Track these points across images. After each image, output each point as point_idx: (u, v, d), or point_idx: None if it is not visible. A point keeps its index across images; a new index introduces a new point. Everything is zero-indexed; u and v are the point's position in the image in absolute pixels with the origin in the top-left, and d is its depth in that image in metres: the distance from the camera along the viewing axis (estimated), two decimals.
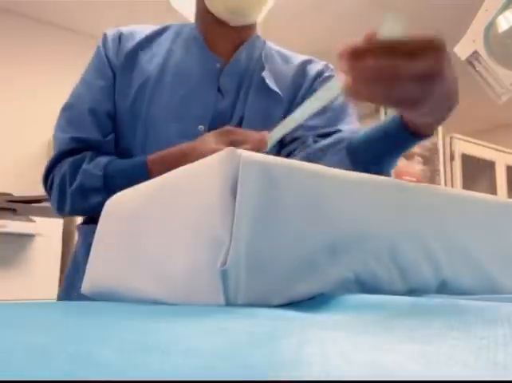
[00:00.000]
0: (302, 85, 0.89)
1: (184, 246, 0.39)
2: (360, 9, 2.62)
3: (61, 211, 0.80)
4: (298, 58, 0.94)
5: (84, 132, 0.79)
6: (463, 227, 0.48)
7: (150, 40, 0.86)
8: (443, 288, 0.44)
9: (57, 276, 1.97)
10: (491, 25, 1.07)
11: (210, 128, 0.77)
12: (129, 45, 0.84)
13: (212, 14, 0.83)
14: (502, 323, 0.19)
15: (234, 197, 0.34)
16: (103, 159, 0.76)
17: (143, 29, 0.87)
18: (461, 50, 1.09)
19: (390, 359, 0.14)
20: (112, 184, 0.72)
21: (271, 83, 0.87)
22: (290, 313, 0.27)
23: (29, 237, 1.92)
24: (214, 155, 0.37)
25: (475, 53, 1.07)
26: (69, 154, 0.79)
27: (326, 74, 0.91)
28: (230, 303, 0.33)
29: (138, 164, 0.73)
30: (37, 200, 2.02)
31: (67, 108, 0.83)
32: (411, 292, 0.42)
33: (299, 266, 0.35)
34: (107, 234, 0.52)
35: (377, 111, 2.80)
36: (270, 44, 0.95)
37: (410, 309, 0.27)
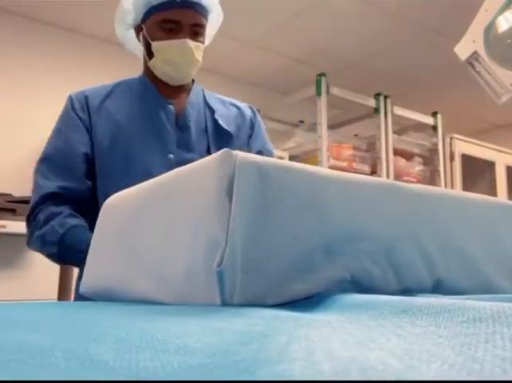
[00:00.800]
0: (242, 126, 1.09)
1: (180, 246, 0.39)
2: (360, 9, 2.62)
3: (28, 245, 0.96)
4: (230, 101, 1.14)
5: (65, 181, 0.94)
6: (459, 228, 0.48)
7: (110, 94, 1.03)
8: (438, 288, 0.44)
9: (56, 276, 1.97)
10: (491, 26, 1.07)
11: (176, 156, 0.97)
12: (95, 102, 1.00)
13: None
14: (486, 321, 0.20)
15: (230, 198, 0.34)
16: (70, 222, 0.90)
17: (101, 87, 1.04)
18: (461, 50, 1.10)
19: (373, 355, 0.15)
20: (65, 246, 0.87)
21: (224, 124, 1.07)
22: (283, 313, 0.28)
23: None
24: (211, 157, 0.37)
25: (475, 53, 1.07)
26: (51, 197, 0.93)
27: (257, 117, 1.14)
28: (225, 303, 0.33)
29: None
30: None
31: (46, 159, 0.97)
32: (406, 292, 0.42)
33: (295, 267, 0.35)
34: (105, 235, 0.52)
35: (376, 111, 2.80)
36: (205, 90, 1.14)
37: (401, 308, 0.27)
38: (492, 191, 3.37)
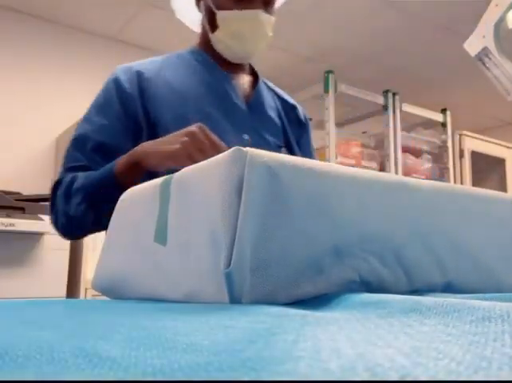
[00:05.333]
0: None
1: (190, 244, 0.39)
2: (360, 10, 2.60)
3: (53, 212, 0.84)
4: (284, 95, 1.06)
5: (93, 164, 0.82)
6: (469, 226, 0.47)
7: (163, 66, 0.90)
8: (449, 288, 0.44)
9: (65, 274, 1.99)
10: (501, 21, 1.06)
11: (251, 137, 0.88)
12: (149, 74, 0.87)
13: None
14: (495, 321, 0.19)
15: (240, 197, 0.34)
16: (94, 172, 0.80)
17: (150, 61, 0.91)
18: (470, 46, 1.09)
19: (380, 353, 0.15)
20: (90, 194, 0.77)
21: (300, 114, 1.01)
22: (291, 311, 0.28)
23: (37, 235, 1.94)
24: (221, 155, 0.37)
25: (485, 49, 1.06)
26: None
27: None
28: (234, 303, 0.33)
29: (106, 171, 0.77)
30: (46, 199, 2.04)
31: (80, 139, 0.85)
32: (416, 293, 0.41)
33: (304, 267, 0.35)
34: (118, 230, 0.52)
35: (385, 108, 2.79)
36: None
37: (409, 307, 0.27)
38: (502, 188, 3.34)
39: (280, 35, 3.09)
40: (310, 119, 1.16)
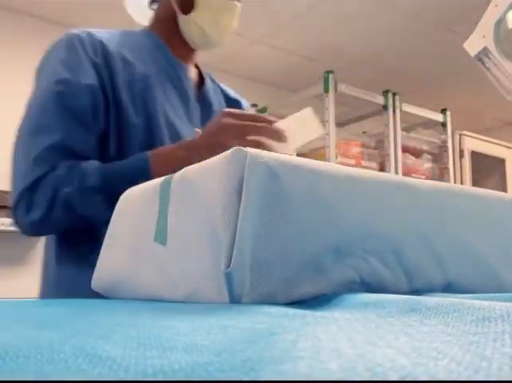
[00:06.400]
0: None
1: (190, 244, 0.39)
2: (360, 9, 2.60)
3: (42, 226, 0.73)
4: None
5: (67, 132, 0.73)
6: (469, 226, 0.47)
7: (123, 44, 0.84)
8: (449, 288, 0.44)
9: None
10: (501, 21, 1.06)
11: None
12: (111, 47, 0.81)
13: (180, 36, 0.88)
14: (495, 321, 0.19)
15: (240, 197, 0.34)
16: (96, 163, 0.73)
17: (109, 34, 0.85)
18: (470, 46, 1.09)
19: (380, 353, 0.15)
20: (110, 184, 0.69)
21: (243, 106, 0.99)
22: (291, 311, 0.28)
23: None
24: (221, 155, 0.37)
25: (485, 49, 1.06)
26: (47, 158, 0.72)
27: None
28: (234, 303, 0.33)
29: (139, 164, 0.70)
30: None
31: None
32: (417, 293, 0.41)
33: (304, 267, 0.35)
34: (118, 229, 0.52)
35: (385, 108, 2.79)
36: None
37: (410, 307, 0.27)
38: (502, 189, 3.35)
39: (280, 35, 3.09)
40: (266, 108, 1.24)
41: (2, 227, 1.83)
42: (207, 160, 0.40)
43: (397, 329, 0.22)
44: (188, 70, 0.91)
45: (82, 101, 0.74)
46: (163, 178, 0.46)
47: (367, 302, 0.30)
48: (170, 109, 0.82)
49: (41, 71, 0.81)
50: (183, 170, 0.43)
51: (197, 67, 0.97)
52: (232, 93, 1.03)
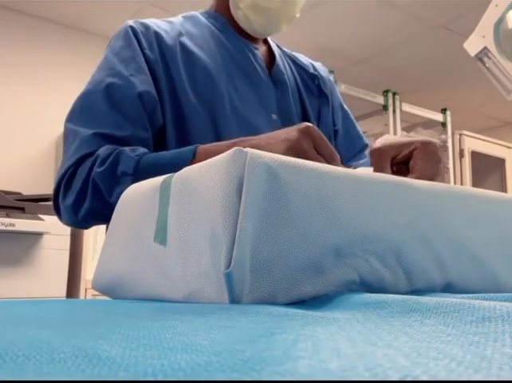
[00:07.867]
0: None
1: (190, 244, 0.39)
2: (360, 9, 2.60)
3: (75, 210, 0.69)
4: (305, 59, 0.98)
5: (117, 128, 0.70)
6: (469, 226, 0.47)
7: (182, 32, 0.80)
8: (449, 288, 0.44)
9: (65, 274, 1.99)
10: (501, 21, 1.06)
11: (279, 117, 0.78)
12: (168, 39, 0.77)
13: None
14: (495, 321, 0.19)
15: (240, 197, 0.34)
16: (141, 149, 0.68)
17: (166, 23, 0.81)
18: (470, 46, 1.09)
19: (380, 353, 0.15)
20: (143, 171, 0.63)
21: (324, 87, 0.92)
22: (291, 310, 0.28)
23: (37, 235, 1.94)
24: (222, 155, 0.37)
25: (485, 49, 1.06)
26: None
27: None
28: (234, 303, 0.33)
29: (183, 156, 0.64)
30: (46, 199, 2.04)
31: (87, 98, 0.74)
32: (417, 293, 0.41)
33: (304, 268, 0.35)
34: (118, 228, 0.52)
35: (385, 108, 2.79)
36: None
37: (410, 308, 0.27)
38: (502, 189, 3.35)
39: (280, 35, 3.09)
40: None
41: (2, 227, 1.83)
42: (207, 160, 0.40)
43: (397, 329, 0.22)
44: (257, 48, 0.84)
45: (131, 94, 0.71)
46: (163, 177, 0.46)
47: (367, 303, 0.30)
48: (236, 97, 0.76)
49: (102, 59, 0.80)
50: (183, 170, 0.43)
51: (265, 42, 0.90)
52: (310, 67, 0.94)
